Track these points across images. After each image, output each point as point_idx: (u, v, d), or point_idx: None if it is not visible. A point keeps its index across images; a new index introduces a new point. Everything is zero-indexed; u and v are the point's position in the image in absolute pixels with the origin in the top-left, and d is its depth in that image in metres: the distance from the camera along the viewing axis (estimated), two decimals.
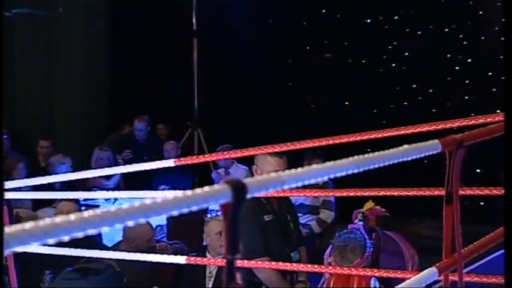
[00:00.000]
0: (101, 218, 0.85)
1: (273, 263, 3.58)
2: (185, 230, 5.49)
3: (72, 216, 0.83)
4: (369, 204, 3.69)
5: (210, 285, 4.47)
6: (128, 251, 4.19)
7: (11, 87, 9.87)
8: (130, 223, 0.92)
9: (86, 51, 10.28)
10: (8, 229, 0.74)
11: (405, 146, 1.41)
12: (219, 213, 4.76)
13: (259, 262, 3.65)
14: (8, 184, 3.48)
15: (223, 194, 1.07)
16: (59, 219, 0.80)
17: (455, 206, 1.51)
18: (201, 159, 3.12)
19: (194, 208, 1.05)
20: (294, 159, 3.94)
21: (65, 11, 10.15)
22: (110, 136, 9.24)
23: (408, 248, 3.60)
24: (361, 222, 3.59)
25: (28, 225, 0.75)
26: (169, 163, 3.17)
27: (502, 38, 9.19)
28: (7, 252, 0.75)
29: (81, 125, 10.05)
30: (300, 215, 5.72)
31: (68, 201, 4.62)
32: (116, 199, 5.96)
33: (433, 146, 1.46)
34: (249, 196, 1.11)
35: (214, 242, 4.47)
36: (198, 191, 1.06)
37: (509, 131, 1.83)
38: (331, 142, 2.44)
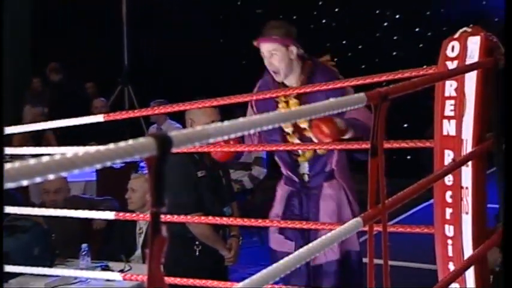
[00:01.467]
0: (19, 171, 0.83)
1: (204, 217, 3.60)
2: (115, 186, 5.44)
3: None
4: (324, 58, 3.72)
5: (141, 242, 4.47)
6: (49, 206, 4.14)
7: None
8: (51, 177, 0.90)
9: (7, 4, 9.92)
10: None
11: (331, 100, 1.42)
12: (145, 170, 4.75)
13: (193, 217, 3.66)
14: None
15: (147, 147, 1.05)
16: None
17: (380, 158, 1.54)
18: (131, 114, 3.07)
19: (117, 161, 1.03)
20: (225, 115, 3.95)
21: None
22: (28, 92, 9.06)
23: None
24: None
25: None
26: (99, 118, 3.12)
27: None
28: None
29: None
30: (232, 171, 5.75)
31: None
32: (43, 156, 5.83)
33: (358, 99, 1.47)
34: (174, 149, 1.10)
35: (130, 198, 4.51)
36: (122, 144, 1.04)
37: (509, 130, 1.87)
38: (261, 97, 2.44)
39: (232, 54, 10.17)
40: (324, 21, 9.97)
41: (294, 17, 10.02)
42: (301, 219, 3.41)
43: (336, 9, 9.89)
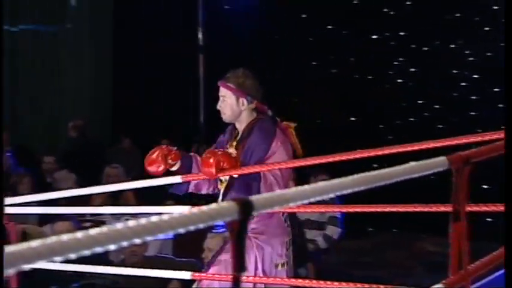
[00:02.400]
0: (107, 236, 0.85)
1: (279, 279, 3.57)
2: (192, 246, 5.47)
3: (79, 234, 0.83)
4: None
5: None
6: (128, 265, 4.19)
7: (17, 102, 9.93)
8: (137, 241, 0.92)
9: (91, 68, 10.30)
10: (14, 247, 0.74)
11: (412, 164, 1.41)
12: (221, 229, 4.76)
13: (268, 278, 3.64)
14: (14, 199, 3.50)
15: (229, 211, 1.07)
16: (66, 237, 0.80)
17: (462, 223, 1.51)
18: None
19: (201, 226, 1.05)
20: (300, 175, 3.97)
21: (71, 28, 10.22)
22: (109, 150, 9.24)
23: (281, 139, 3.58)
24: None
25: (35, 243, 0.75)
26: (177, 179, 3.18)
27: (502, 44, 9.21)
28: (14, 270, 0.75)
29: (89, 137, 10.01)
30: (306, 230, 5.70)
31: (64, 221, 4.62)
32: (122, 215, 5.89)
33: (440, 163, 1.46)
34: (255, 213, 1.11)
35: (207, 257, 4.50)
36: (205, 208, 1.06)
37: (510, 133, 1.84)
38: (337, 159, 2.44)
39: (307, 115, 10.18)
40: (399, 81, 9.94)
41: (369, 77, 10.03)
42: None
43: (412, 69, 9.85)
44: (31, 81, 9.97)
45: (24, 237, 5.41)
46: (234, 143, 3.53)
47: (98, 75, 10.41)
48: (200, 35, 10.02)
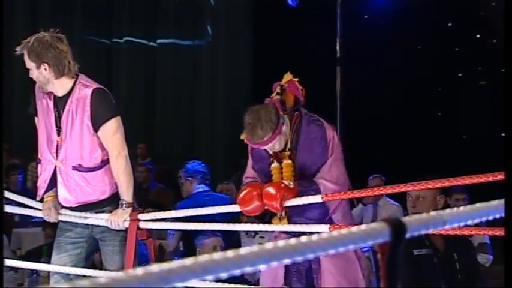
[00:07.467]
0: (257, 255, 0.84)
1: None
2: None
3: (230, 253, 0.82)
4: (287, 77, 3.52)
5: None
6: None
7: (155, 117, 10.31)
8: (286, 262, 0.90)
9: (229, 80, 10.48)
10: (168, 265, 0.74)
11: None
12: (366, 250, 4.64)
13: None
14: (154, 215, 3.61)
15: (380, 233, 1.03)
16: (217, 255, 0.79)
17: None
18: (350, 195, 3.07)
19: (351, 247, 1.01)
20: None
21: (209, 41, 10.50)
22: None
23: (330, 129, 3.41)
24: (278, 96, 3.41)
25: (188, 261, 0.75)
26: (317, 199, 3.13)
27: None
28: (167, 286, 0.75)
29: (224, 156, 10.18)
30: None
31: (213, 237, 4.69)
32: (256, 232, 5.84)
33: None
34: (408, 235, 1.06)
35: None
36: (354, 229, 1.03)
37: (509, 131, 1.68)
38: (493, 178, 2.27)
39: (451, 130, 9.82)
40: None
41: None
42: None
43: None
44: (169, 94, 10.32)
45: (161, 251, 5.57)
46: (287, 153, 3.35)
47: (235, 88, 10.53)
48: (338, 47, 9.89)
